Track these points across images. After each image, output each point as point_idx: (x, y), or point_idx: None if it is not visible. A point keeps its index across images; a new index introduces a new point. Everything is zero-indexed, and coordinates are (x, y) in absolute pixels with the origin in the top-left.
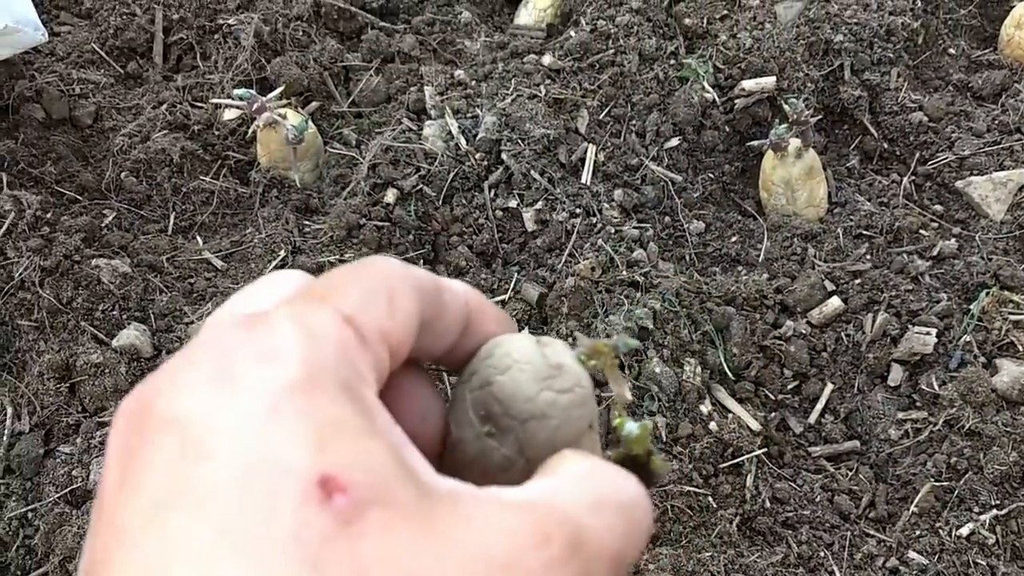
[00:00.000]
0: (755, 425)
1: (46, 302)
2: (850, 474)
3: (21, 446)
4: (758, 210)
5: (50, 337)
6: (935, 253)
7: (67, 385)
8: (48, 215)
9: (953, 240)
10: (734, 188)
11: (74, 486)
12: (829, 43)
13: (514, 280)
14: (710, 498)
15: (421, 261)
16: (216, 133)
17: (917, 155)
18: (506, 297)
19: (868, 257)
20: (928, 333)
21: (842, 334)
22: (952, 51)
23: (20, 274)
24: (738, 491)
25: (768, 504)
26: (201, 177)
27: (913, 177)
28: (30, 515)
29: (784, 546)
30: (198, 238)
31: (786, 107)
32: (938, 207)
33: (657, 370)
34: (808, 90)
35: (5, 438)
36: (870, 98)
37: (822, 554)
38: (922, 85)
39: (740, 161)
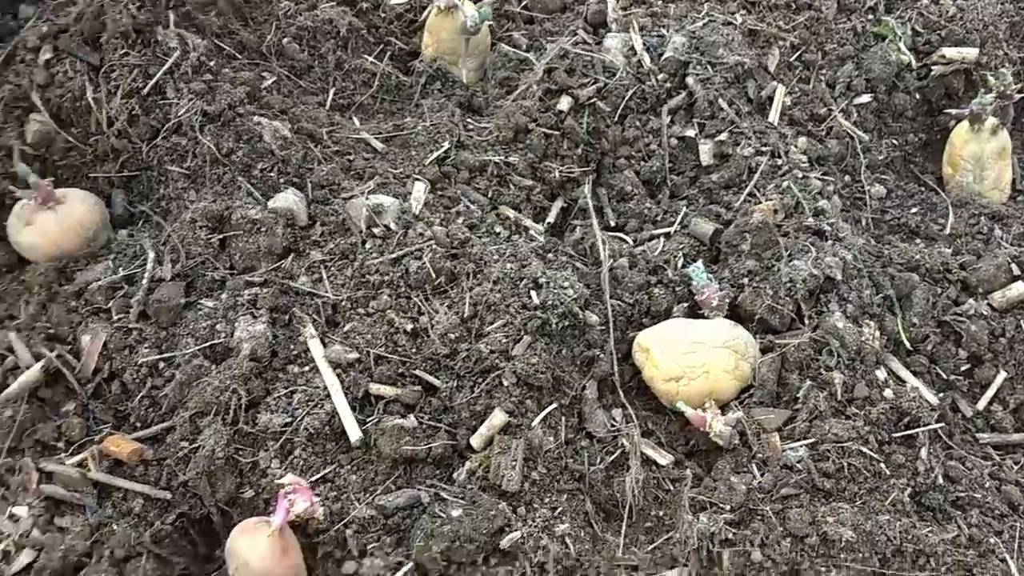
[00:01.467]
0: (933, 399)
1: (205, 149)
2: (1016, 467)
3: (161, 292)
4: (939, 185)
5: (202, 187)
6: None
7: (219, 237)
8: (212, 63)
9: None
10: (915, 160)
11: (215, 341)
12: None
13: (682, 214)
14: (883, 465)
15: (589, 180)
16: (382, 16)
17: None
18: (671, 230)
19: None
20: None
21: (1022, 321)
22: None
23: (179, 115)
24: (911, 463)
25: (940, 481)
26: (364, 56)
27: None
28: (161, 364)
29: (954, 526)
30: (355, 119)
31: (992, 79)
32: None
33: (839, 325)
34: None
35: (145, 282)
36: None
37: (992, 540)
38: None
39: (924, 133)
